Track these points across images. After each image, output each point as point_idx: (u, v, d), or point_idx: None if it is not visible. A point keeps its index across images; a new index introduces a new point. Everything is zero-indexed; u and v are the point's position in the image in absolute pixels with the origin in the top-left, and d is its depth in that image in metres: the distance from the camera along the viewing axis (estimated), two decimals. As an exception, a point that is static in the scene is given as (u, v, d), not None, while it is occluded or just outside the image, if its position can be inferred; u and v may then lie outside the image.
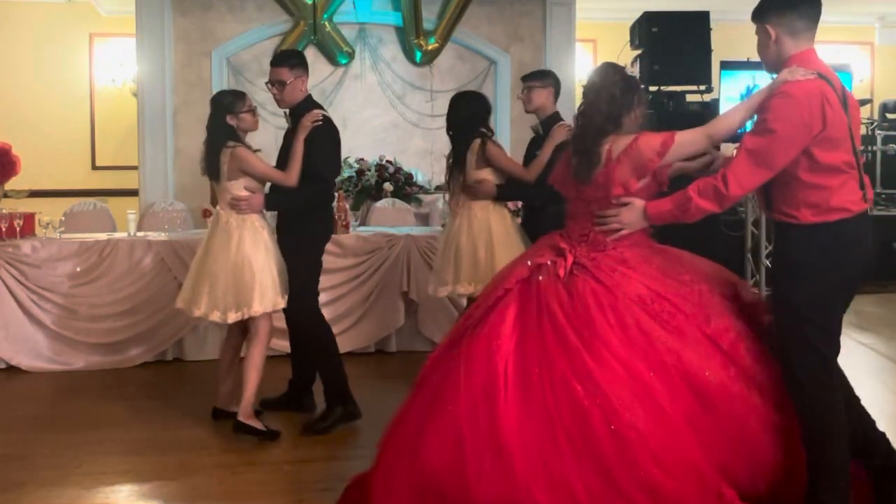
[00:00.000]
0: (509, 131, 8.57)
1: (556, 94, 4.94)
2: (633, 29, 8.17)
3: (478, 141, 4.70)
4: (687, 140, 3.16)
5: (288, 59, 4.53)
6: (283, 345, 5.67)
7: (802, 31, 3.10)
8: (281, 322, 5.39)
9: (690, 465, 2.88)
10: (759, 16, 3.13)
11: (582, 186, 3.25)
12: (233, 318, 4.30)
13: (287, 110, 4.59)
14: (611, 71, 3.30)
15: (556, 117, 4.86)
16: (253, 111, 4.45)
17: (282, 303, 4.38)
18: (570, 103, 8.64)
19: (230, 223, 4.33)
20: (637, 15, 8.08)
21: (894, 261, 8.65)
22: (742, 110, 3.14)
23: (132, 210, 6.42)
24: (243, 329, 4.53)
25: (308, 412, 4.69)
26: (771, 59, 3.16)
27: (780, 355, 3.05)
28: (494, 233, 4.70)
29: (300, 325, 4.62)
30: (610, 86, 3.24)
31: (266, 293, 4.29)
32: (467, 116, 4.79)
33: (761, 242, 8.29)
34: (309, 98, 4.57)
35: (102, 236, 5.95)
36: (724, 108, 8.11)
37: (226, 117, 4.36)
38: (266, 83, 4.57)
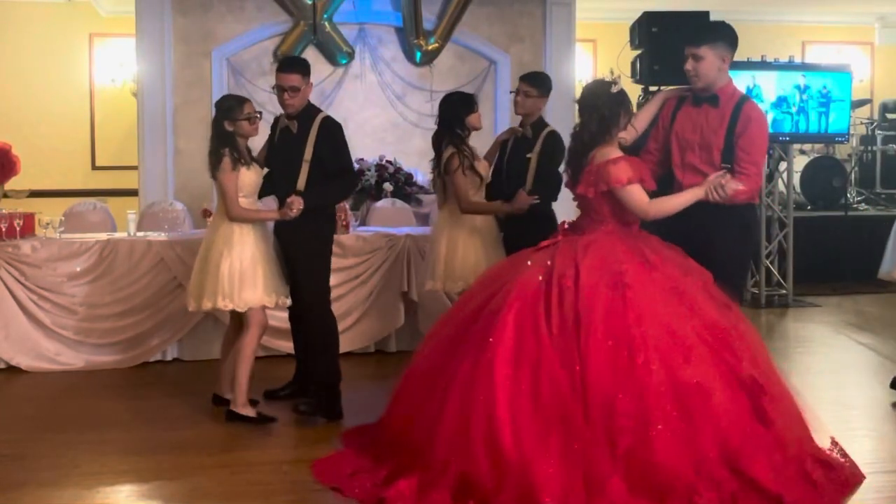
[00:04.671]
0: (509, 131, 8.56)
1: (546, 100, 5.12)
2: (633, 29, 8.16)
3: (449, 149, 4.89)
4: (634, 198, 3.61)
5: (301, 66, 4.67)
6: (283, 345, 5.69)
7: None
8: (279, 322, 5.41)
9: None
10: (712, 41, 3.95)
11: (576, 187, 3.74)
12: (192, 306, 4.56)
13: (280, 115, 4.73)
14: (599, 90, 3.70)
15: (542, 122, 5.04)
16: (250, 119, 4.50)
17: (263, 300, 4.46)
18: (570, 104, 8.63)
19: (214, 219, 4.59)
20: (637, 15, 8.07)
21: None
22: (682, 203, 3.72)
23: (132, 210, 6.41)
24: (241, 323, 4.60)
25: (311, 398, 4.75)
26: (712, 80, 3.98)
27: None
28: (459, 233, 4.94)
29: (316, 322, 4.70)
30: (600, 106, 3.65)
31: (231, 292, 4.40)
32: (441, 121, 5.00)
33: (761, 242, 8.29)
34: (310, 103, 4.73)
35: (102, 236, 5.95)
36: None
37: (224, 123, 4.46)
38: (273, 87, 4.66)
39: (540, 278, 3.53)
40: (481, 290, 3.76)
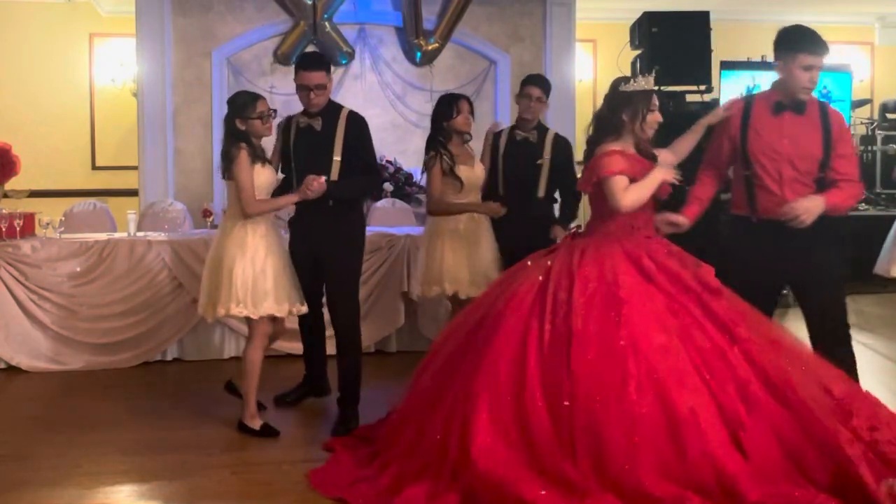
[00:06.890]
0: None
1: None
2: (633, 29, 8.17)
3: (430, 153, 4.87)
4: (612, 189, 3.50)
5: (325, 62, 4.58)
6: (286, 346, 5.68)
7: None
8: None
9: None
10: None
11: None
12: (210, 314, 4.38)
13: (294, 116, 4.65)
14: (611, 87, 3.66)
15: (543, 126, 5.13)
16: (262, 118, 4.36)
17: (272, 310, 4.33)
18: (570, 104, 8.65)
19: (226, 224, 4.41)
20: (637, 15, 8.08)
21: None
22: (648, 185, 3.52)
23: (132, 210, 6.41)
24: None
25: (326, 395, 4.88)
26: None
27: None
28: (438, 238, 4.91)
29: (346, 324, 4.61)
30: (604, 103, 3.65)
31: (245, 297, 4.26)
32: (431, 124, 4.98)
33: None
34: (330, 99, 4.62)
35: (102, 236, 5.95)
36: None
37: (236, 121, 4.36)
38: (299, 88, 4.48)
39: (540, 279, 3.49)
40: (486, 298, 3.71)
